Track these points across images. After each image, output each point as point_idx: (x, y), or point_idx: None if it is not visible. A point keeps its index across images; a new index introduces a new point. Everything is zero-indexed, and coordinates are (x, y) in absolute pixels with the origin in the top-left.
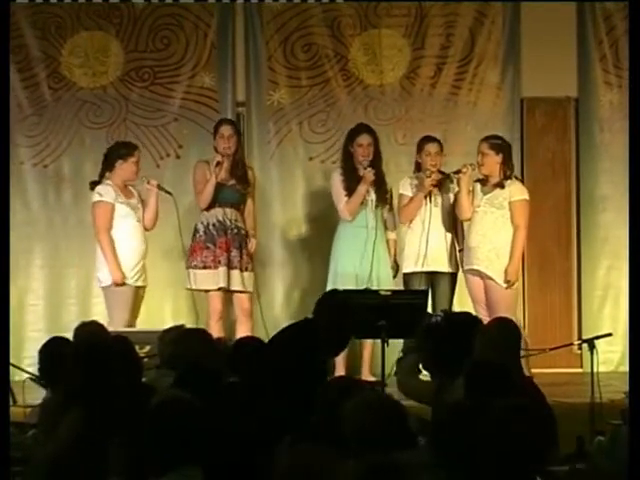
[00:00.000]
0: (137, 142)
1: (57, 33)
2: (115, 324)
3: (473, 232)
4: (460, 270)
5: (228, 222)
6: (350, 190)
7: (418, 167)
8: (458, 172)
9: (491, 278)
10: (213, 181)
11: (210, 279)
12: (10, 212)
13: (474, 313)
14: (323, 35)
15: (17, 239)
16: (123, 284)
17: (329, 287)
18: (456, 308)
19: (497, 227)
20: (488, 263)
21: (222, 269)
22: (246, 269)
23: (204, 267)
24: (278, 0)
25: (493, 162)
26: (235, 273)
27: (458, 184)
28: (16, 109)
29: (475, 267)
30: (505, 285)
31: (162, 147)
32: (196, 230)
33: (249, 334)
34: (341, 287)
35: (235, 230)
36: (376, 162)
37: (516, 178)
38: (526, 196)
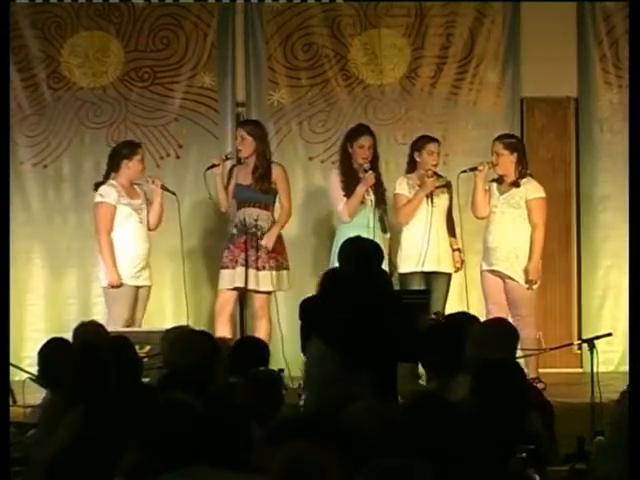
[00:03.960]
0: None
1: (57, 33)
2: (113, 323)
3: (492, 233)
4: (454, 270)
5: (248, 222)
6: (349, 191)
7: (413, 166)
8: (474, 169)
9: (512, 278)
10: (218, 185)
11: (226, 279)
12: (10, 212)
13: (479, 311)
14: (323, 35)
15: (17, 239)
16: (120, 285)
17: None
18: (462, 308)
19: (515, 227)
20: (509, 264)
21: (239, 269)
22: (263, 268)
23: (222, 267)
24: (278, 0)
25: (508, 162)
26: (251, 272)
27: (474, 182)
28: (16, 109)
29: (495, 268)
30: (527, 285)
31: (162, 147)
32: (229, 231)
33: (266, 333)
34: None
35: (253, 229)
36: (375, 163)
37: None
38: (542, 194)
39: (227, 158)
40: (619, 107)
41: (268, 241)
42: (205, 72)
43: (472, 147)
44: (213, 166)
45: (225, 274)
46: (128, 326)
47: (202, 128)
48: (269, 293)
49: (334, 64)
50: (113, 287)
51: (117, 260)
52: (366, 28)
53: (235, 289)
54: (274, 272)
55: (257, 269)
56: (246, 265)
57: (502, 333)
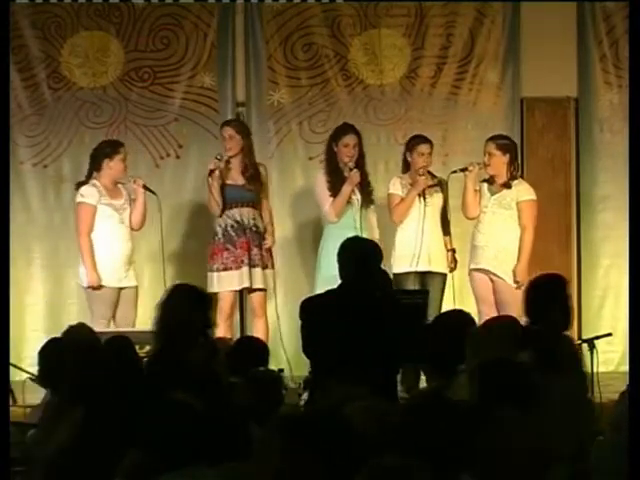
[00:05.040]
0: (137, 142)
1: (57, 33)
2: (95, 323)
3: (481, 232)
4: (449, 270)
5: (246, 221)
6: (335, 191)
7: (407, 166)
8: (464, 170)
9: (501, 278)
10: (215, 188)
11: (232, 280)
12: (10, 212)
13: (475, 312)
14: (323, 35)
15: (17, 239)
16: (99, 287)
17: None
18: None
19: (506, 227)
20: (497, 263)
21: (245, 269)
22: (267, 266)
23: (225, 269)
24: (278, 0)
25: (500, 162)
26: (257, 271)
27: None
28: (16, 109)
29: (483, 266)
30: (515, 285)
31: (162, 147)
32: (215, 233)
33: (264, 331)
34: None
35: (254, 229)
36: (360, 162)
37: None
38: (533, 196)
39: (218, 159)
40: (619, 107)
41: (268, 241)
42: (205, 72)
43: (472, 147)
44: (212, 172)
45: (230, 275)
46: (109, 326)
47: (202, 128)
48: (266, 291)
49: (334, 64)
50: (93, 289)
51: (99, 261)
52: (366, 28)
53: (242, 289)
54: (273, 270)
55: (263, 268)
56: (250, 264)
57: (509, 332)
